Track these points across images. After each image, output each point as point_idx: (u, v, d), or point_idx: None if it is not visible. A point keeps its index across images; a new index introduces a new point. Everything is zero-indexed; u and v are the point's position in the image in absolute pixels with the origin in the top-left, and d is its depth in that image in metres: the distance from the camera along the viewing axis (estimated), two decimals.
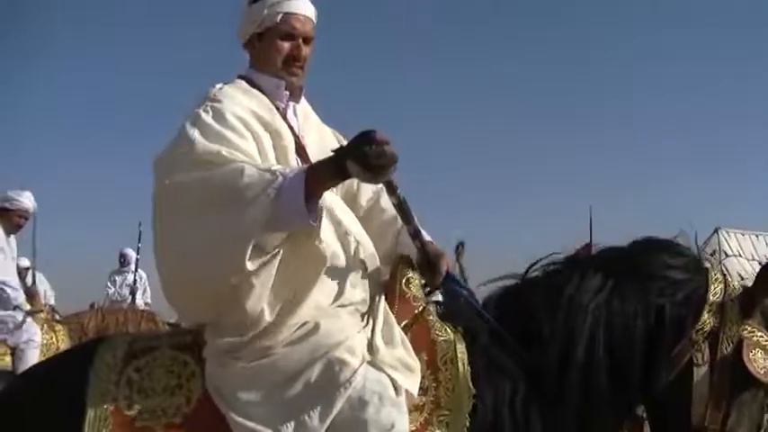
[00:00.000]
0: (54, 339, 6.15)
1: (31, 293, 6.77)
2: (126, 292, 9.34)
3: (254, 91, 2.04)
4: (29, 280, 7.89)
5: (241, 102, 1.97)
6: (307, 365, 1.77)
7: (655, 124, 26.51)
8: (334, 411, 1.73)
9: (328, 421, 1.73)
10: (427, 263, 2.07)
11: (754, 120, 23.18)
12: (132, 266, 9.37)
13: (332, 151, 1.76)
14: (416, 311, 1.98)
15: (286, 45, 2.04)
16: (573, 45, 28.50)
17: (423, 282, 2.08)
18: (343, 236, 1.98)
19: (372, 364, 1.80)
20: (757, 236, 13.44)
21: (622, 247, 2.10)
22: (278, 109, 2.05)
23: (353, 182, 2.11)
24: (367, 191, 2.28)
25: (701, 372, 1.91)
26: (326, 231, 1.85)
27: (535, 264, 2.11)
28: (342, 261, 1.95)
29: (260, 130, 1.94)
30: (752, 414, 1.92)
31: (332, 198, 1.99)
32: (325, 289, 1.89)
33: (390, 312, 1.95)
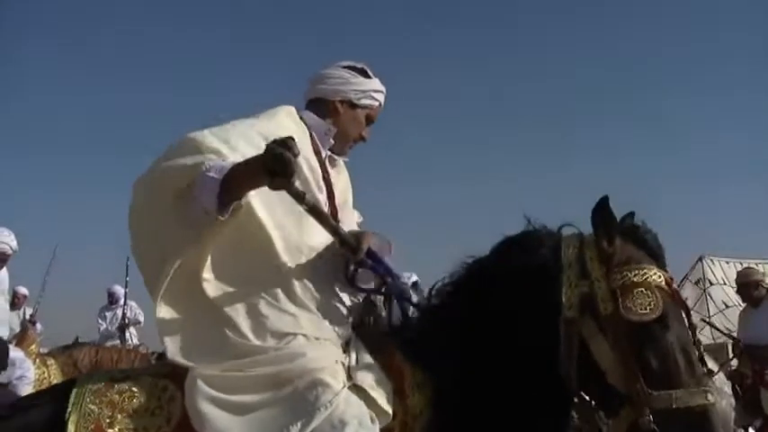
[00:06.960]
0: (46, 374, 6.04)
1: (24, 327, 6.67)
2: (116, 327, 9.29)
3: (302, 125, 2.24)
4: (28, 310, 7.70)
5: (282, 121, 2.16)
6: (290, 385, 1.87)
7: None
8: (311, 427, 1.80)
9: None
10: (349, 246, 2.11)
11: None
12: (121, 302, 9.30)
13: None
14: (382, 342, 2.08)
15: (367, 128, 2.34)
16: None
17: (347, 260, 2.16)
18: (324, 274, 2.12)
19: (354, 386, 1.91)
20: (741, 263, 13.44)
21: (482, 255, 2.11)
22: (318, 153, 2.22)
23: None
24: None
25: (596, 342, 1.84)
26: (317, 269, 2.08)
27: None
28: (325, 299, 2.09)
29: None
30: (662, 348, 1.83)
31: (323, 244, 2.13)
32: (311, 322, 2.02)
33: (362, 343, 2.06)
